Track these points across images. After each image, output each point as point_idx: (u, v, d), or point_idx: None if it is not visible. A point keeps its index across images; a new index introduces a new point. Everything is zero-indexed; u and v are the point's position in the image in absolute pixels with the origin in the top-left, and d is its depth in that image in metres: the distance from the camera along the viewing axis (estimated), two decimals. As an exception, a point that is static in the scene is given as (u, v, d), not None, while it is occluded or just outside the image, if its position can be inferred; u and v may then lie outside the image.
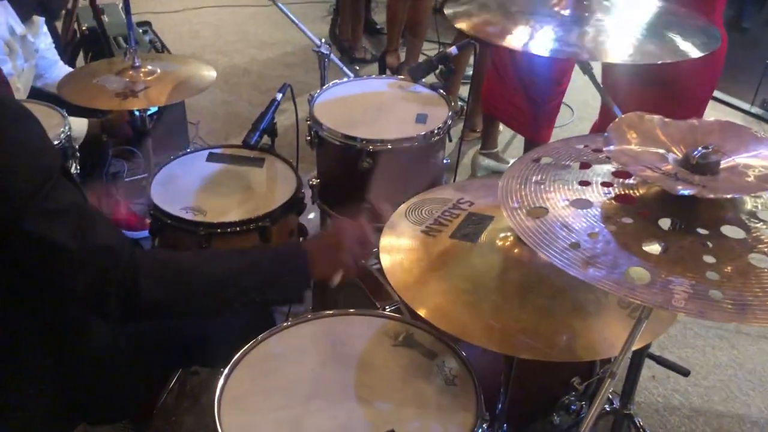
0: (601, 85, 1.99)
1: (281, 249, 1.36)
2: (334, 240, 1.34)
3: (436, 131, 2.00)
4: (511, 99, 2.90)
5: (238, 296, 1.25)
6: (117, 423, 1.92)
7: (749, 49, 4.61)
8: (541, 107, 2.82)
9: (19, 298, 1.22)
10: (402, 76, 2.31)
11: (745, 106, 4.08)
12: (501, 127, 3.36)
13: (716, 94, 4.12)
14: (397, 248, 1.48)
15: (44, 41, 2.59)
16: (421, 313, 1.31)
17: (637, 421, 1.86)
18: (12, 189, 1.06)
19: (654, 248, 0.97)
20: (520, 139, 3.42)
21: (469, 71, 3.63)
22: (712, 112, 3.98)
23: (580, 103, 3.86)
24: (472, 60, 3.41)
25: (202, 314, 1.34)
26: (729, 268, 0.92)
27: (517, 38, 1.61)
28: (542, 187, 1.10)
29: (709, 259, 0.94)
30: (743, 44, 4.80)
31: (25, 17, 2.35)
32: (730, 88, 4.11)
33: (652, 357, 2.02)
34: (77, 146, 2.22)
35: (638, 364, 1.69)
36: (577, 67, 2.74)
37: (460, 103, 3.67)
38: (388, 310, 1.74)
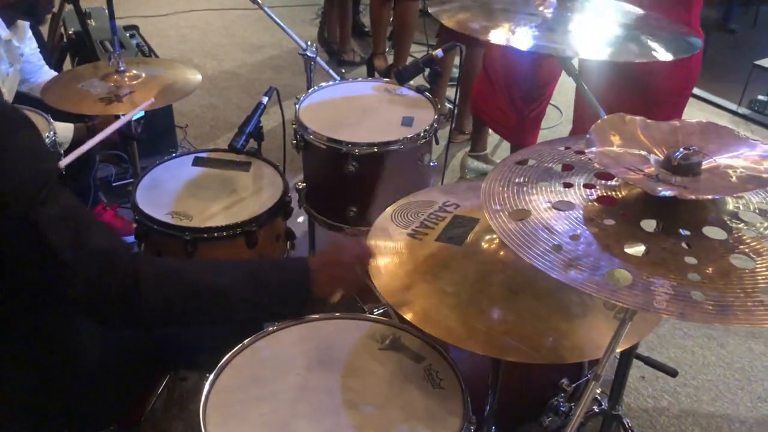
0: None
1: (285, 263, 1.37)
2: (336, 258, 1.34)
3: (422, 134, 2.00)
4: (499, 104, 2.91)
5: (239, 308, 1.24)
6: (102, 430, 1.91)
7: (736, 49, 4.65)
8: (526, 113, 2.83)
9: (4, 308, 1.21)
10: (388, 79, 2.31)
11: (732, 106, 4.10)
12: (490, 130, 3.36)
13: (703, 94, 4.15)
14: (384, 251, 1.48)
15: (29, 45, 2.57)
16: (408, 316, 1.30)
17: (625, 422, 1.86)
18: (13, 193, 1.06)
19: (637, 249, 0.97)
20: (508, 143, 3.43)
21: (456, 73, 3.63)
22: (700, 113, 4.00)
23: (568, 105, 3.86)
24: (458, 61, 3.42)
25: (202, 324, 1.33)
26: (710, 269, 0.92)
27: (499, 35, 1.62)
28: (525, 189, 1.10)
29: (691, 260, 0.94)
30: (730, 45, 4.83)
31: (9, 22, 2.34)
32: (717, 89, 4.14)
33: (640, 357, 2.03)
34: (62, 151, 2.20)
35: (626, 365, 1.69)
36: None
37: (448, 105, 3.67)
38: (375, 313, 1.73)
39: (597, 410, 1.88)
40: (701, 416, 2.19)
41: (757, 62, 3.97)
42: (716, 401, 2.24)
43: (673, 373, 2.01)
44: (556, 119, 3.84)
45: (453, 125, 3.51)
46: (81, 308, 1.16)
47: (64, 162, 1.75)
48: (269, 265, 1.32)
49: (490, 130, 3.35)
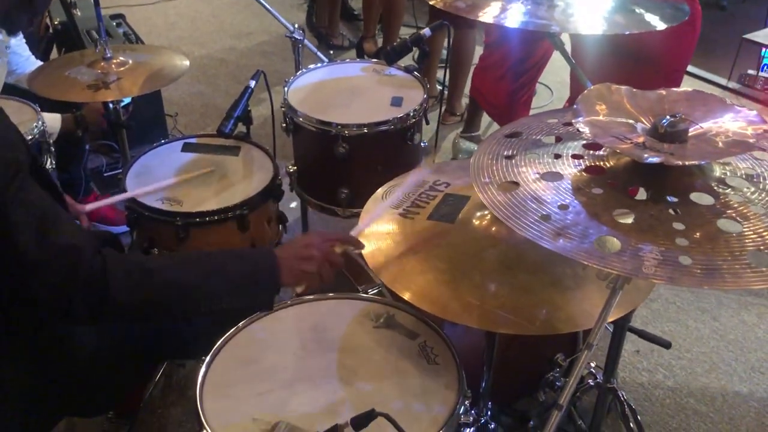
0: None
1: (251, 255, 1.34)
2: (305, 252, 1.32)
3: (411, 114, 2.00)
4: (493, 86, 2.91)
5: (205, 301, 1.23)
6: (99, 416, 1.92)
7: (726, 25, 4.64)
8: (516, 97, 2.84)
9: None
10: (377, 60, 2.30)
11: (722, 81, 4.10)
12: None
13: (693, 69, 4.14)
14: (376, 232, 1.48)
15: (15, 36, 2.55)
16: (402, 294, 1.31)
17: (620, 394, 1.87)
18: None
19: (625, 217, 0.97)
20: (499, 123, 3.43)
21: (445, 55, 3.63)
22: (690, 88, 4.00)
23: (559, 84, 3.87)
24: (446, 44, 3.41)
25: (170, 319, 1.32)
26: (698, 233, 0.92)
27: (487, 13, 1.61)
28: (513, 161, 1.10)
29: (679, 225, 0.94)
30: (720, 20, 4.83)
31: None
32: (707, 64, 4.14)
33: (634, 330, 2.04)
34: (51, 141, 2.19)
35: (620, 338, 1.70)
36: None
37: (438, 87, 3.67)
38: (370, 293, 1.74)
39: (592, 384, 1.89)
40: (696, 388, 2.21)
41: (747, 36, 3.96)
42: (710, 373, 2.26)
43: (666, 345, 2.02)
44: (547, 98, 3.84)
45: (444, 107, 3.51)
46: (48, 306, 1.14)
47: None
48: (236, 258, 1.30)
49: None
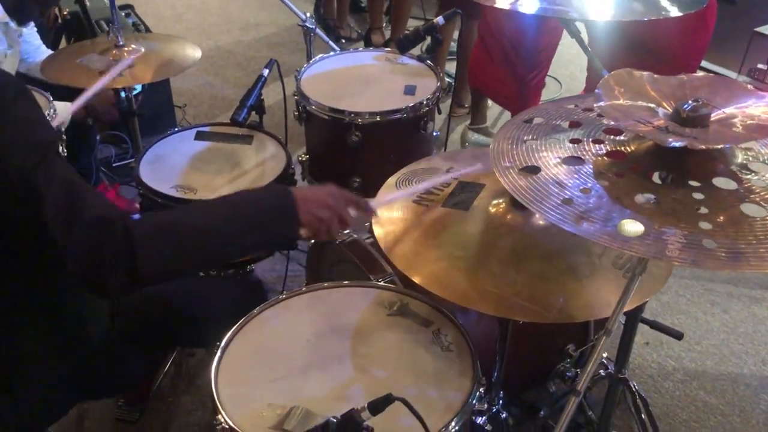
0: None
1: (268, 192, 1.33)
2: (324, 198, 1.31)
3: (425, 102, 1.99)
4: (497, 74, 2.89)
5: (230, 244, 1.24)
6: (111, 397, 1.92)
7: (736, 19, 4.61)
8: (526, 81, 2.81)
9: (14, 281, 1.21)
10: (389, 49, 2.30)
11: (732, 74, 4.08)
12: (490, 102, 3.35)
13: (704, 63, 4.12)
14: (390, 220, 1.48)
15: (26, 27, 2.55)
16: (418, 281, 1.30)
17: (632, 384, 1.87)
18: (12, 164, 1.06)
19: (646, 201, 0.97)
20: (509, 114, 3.41)
21: (455, 47, 3.61)
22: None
23: (568, 77, 3.86)
24: (456, 36, 3.40)
25: (200, 268, 1.31)
26: (721, 217, 0.92)
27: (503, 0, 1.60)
28: (534, 146, 1.10)
29: (702, 209, 0.94)
30: (731, 14, 4.79)
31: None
32: (717, 57, 4.11)
33: (646, 321, 2.03)
34: (63, 130, 2.19)
35: (632, 328, 1.69)
36: (564, 40, 2.75)
37: (447, 79, 3.66)
38: (382, 282, 1.74)
39: (603, 374, 1.89)
40: (706, 380, 2.20)
41: (757, 29, 3.94)
42: (720, 365, 2.26)
43: (678, 336, 2.01)
44: (556, 91, 3.83)
45: (452, 99, 3.50)
46: (82, 280, 1.14)
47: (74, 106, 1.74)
48: (253, 196, 1.30)
49: (490, 103, 3.34)
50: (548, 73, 3.38)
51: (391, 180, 1.62)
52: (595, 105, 1.05)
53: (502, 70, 2.86)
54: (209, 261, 1.31)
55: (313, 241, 2.04)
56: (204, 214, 1.24)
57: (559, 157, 1.06)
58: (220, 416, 1.20)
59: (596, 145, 1.07)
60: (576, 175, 1.02)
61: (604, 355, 1.92)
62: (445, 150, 2.69)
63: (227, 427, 1.18)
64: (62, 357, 1.35)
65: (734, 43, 4.08)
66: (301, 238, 1.35)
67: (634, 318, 1.66)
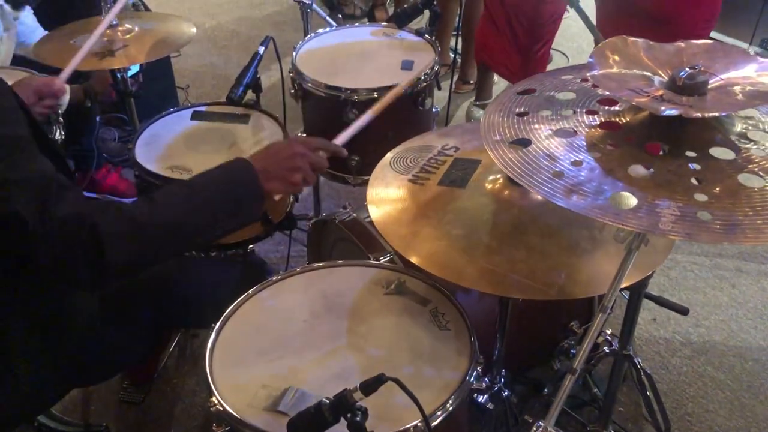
0: (596, 26, 1.94)
1: (228, 172, 1.27)
2: (289, 162, 1.28)
3: (422, 78, 1.95)
4: (503, 46, 2.84)
5: (198, 233, 1.22)
6: (103, 382, 1.92)
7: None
8: (531, 53, 2.76)
9: None
10: (386, 23, 2.25)
11: (743, 45, 3.99)
12: (495, 78, 3.30)
13: (714, 34, 4.03)
14: (386, 199, 1.46)
15: (22, 11, 2.53)
16: (416, 261, 1.28)
17: (636, 361, 1.84)
18: None
19: (641, 173, 0.93)
20: (514, 89, 3.36)
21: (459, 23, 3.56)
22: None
23: (575, 50, 3.79)
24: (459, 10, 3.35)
25: (168, 259, 1.31)
26: (718, 188, 0.89)
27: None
28: (525, 118, 1.07)
29: (697, 180, 0.91)
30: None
31: None
32: (727, 28, 4.02)
33: (651, 297, 2.00)
34: (61, 112, 2.18)
35: (636, 304, 1.66)
36: (572, 12, 2.69)
37: (451, 55, 3.61)
38: (382, 261, 1.72)
39: (608, 351, 1.86)
40: (714, 356, 2.18)
41: (770, -2, 3.84)
42: (729, 341, 2.23)
43: (683, 312, 1.98)
44: (562, 65, 3.76)
45: (456, 75, 3.45)
46: (54, 274, 1.14)
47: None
48: (215, 180, 1.25)
49: (496, 78, 3.29)
50: (555, 47, 3.33)
51: (388, 156, 1.60)
52: (588, 74, 1.01)
53: (507, 41, 2.81)
54: (179, 252, 1.29)
55: (313, 220, 2.03)
56: (170, 208, 1.20)
57: (551, 129, 1.03)
58: (213, 398, 1.19)
59: (589, 116, 1.04)
60: (568, 148, 0.99)
61: (608, 331, 1.90)
62: (446, 125, 2.65)
63: (221, 408, 1.18)
64: (51, 342, 1.34)
65: (745, 13, 3.98)
66: (276, 199, 1.32)
67: (638, 293, 1.63)
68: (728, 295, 2.40)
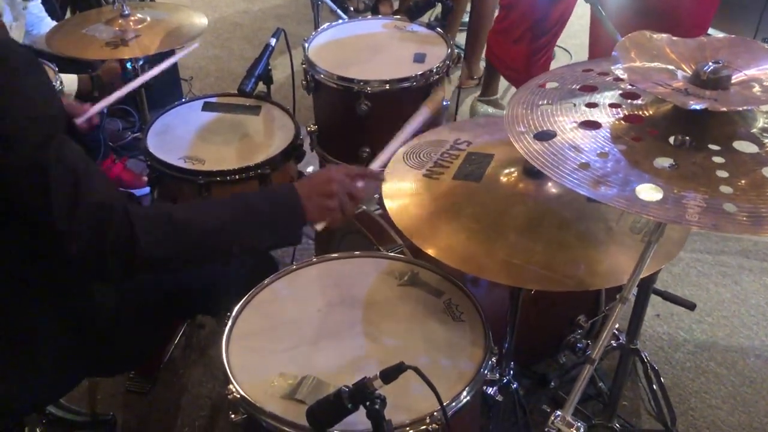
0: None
1: (274, 192, 1.32)
2: (326, 188, 1.29)
3: (435, 70, 1.96)
4: (512, 47, 2.85)
5: (234, 244, 1.22)
6: (121, 374, 1.92)
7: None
8: (534, 58, 2.77)
9: (23, 257, 1.21)
10: (398, 16, 2.26)
11: (745, 44, 4.01)
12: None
13: (716, 30, 4.04)
14: (401, 193, 1.45)
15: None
16: (434, 254, 1.28)
17: (643, 355, 1.86)
18: (21, 136, 1.04)
19: (665, 164, 0.94)
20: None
21: (467, 18, 3.57)
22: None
23: (578, 47, 3.80)
24: (469, 8, 3.36)
25: (200, 264, 1.31)
26: (743, 181, 0.90)
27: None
28: (549, 111, 1.07)
29: (722, 173, 0.92)
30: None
31: None
32: (731, 25, 4.02)
33: (657, 292, 2.02)
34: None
35: (644, 299, 1.68)
36: (576, 9, 2.71)
37: (456, 50, 3.61)
38: (392, 253, 1.72)
39: (615, 345, 1.88)
40: (717, 351, 2.19)
41: (772, -4, 3.85)
42: (732, 337, 2.25)
43: (690, 307, 2.00)
44: (566, 61, 3.77)
45: (461, 71, 3.46)
46: (82, 264, 1.13)
47: (100, 106, 1.72)
48: (259, 196, 1.28)
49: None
50: (559, 44, 3.33)
51: (400, 150, 1.60)
52: (612, 67, 1.02)
53: (514, 45, 2.81)
54: (209, 259, 1.29)
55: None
56: (209, 215, 1.21)
57: (575, 122, 1.04)
58: (231, 385, 1.20)
59: (613, 109, 1.05)
60: (593, 140, 1.00)
61: (615, 326, 1.91)
62: (455, 120, 2.66)
63: (239, 396, 1.18)
64: (71, 331, 1.34)
65: (748, 11, 4.00)
66: (318, 229, 1.32)
67: (646, 288, 1.65)
68: (731, 291, 2.41)
